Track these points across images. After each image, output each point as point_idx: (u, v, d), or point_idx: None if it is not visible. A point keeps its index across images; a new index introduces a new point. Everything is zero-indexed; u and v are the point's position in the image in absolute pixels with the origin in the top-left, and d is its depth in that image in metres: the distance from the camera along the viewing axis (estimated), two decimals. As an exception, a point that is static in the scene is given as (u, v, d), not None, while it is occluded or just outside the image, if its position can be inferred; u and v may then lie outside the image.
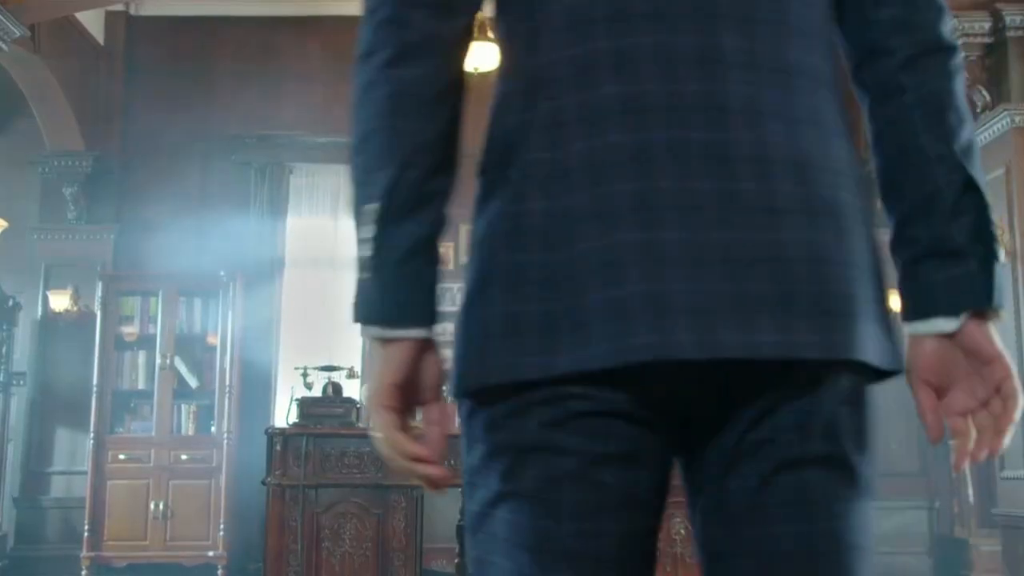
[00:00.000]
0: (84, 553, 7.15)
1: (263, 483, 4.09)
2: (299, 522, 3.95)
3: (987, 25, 5.78)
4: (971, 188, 1.08)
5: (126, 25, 8.22)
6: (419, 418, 1.08)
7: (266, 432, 4.36)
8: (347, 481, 4.02)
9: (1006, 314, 1.11)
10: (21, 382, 7.74)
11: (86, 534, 7.18)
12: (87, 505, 7.21)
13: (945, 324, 1.08)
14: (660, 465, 1.03)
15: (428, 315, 1.05)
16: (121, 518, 7.24)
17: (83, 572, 7.14)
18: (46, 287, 7.86)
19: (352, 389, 5.58)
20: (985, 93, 5.85)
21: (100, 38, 8.11)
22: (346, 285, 7.82)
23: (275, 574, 3.99)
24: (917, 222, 1.09)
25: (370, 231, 1.03)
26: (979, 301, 1.06)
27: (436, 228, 1.05)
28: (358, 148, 1.09)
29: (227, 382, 7.40)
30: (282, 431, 4.23)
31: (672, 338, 0.94)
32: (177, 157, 8.03)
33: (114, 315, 7.53)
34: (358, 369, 4.99)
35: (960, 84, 1.10)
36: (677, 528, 4.06)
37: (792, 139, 1.01)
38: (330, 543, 3.96)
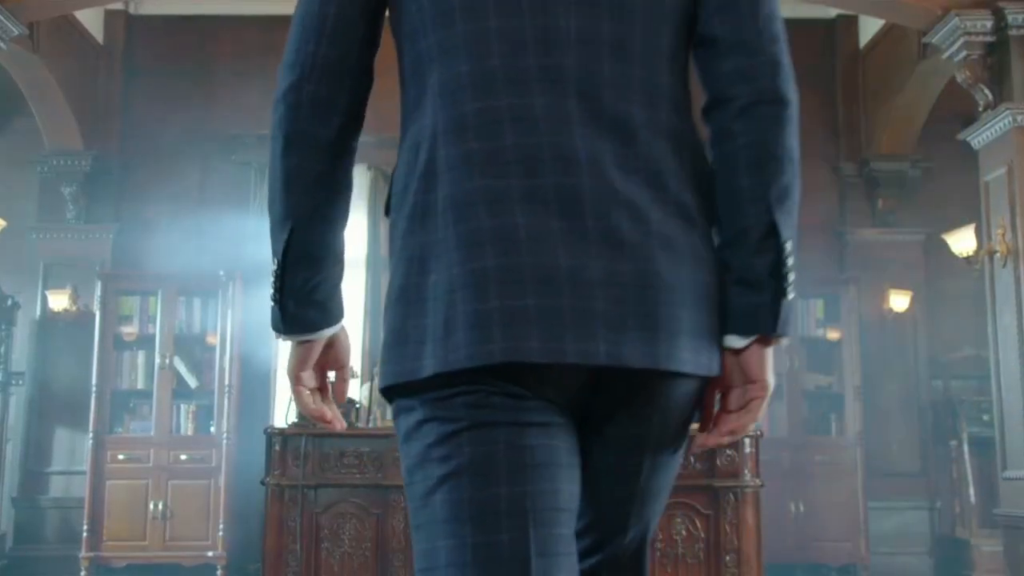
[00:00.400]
0: (83, 553, 7.13)
1: (262, 483, 4.07)
2: (298, 522, 3.93)
3: (989, 24, 5.76)
4: (774, 232, 1.28)
5: (126, 24, 8.20)
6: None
7: (265, 432, 4.34)
8: (346, 481, 4.00)
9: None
10: (20, 382, 7.72)
11: (85, 534, 7.16)
12: (86, 505, 7.19)
13: (736, 342, 1.31)
14: (570, 435, 1.28)
15: (315, 325, 1.37)
16: (120, 518, 7.22)
17: (82, 572, 7.12)
18: (45, 287, 7.84)
19: (352, 389, 5.57)
20: (987, 92, 5.83)
21: (100, 37, 8.09)
22: (348, 284, 7.86)
23: (274, 574, 3.97)
24: (730, 250, 1.31)
25: (273, 272, 1.35)
26: (766, 328, 1.30)
27: (323, 273, 1.36)
28: (268, 208, 1.38)
29: (226, 382, 7.38)
30: (281, 431, 4.21)
31: (524, 344, 1.18)
32: (177, 156, 8.01)
33: (113, 315, 7.51)
34: (358, 369, 4.96)
35: (789, 134, 1.29)
36: (678, 528, 4.05)
37: (629, 185, 1.23)
38: (329, 543, 3.95)
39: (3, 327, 7.56)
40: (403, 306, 1.27)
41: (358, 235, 8.05)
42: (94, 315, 7.51)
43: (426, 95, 1.33)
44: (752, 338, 1.30)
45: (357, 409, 4.53)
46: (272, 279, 1.36)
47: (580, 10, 1.27)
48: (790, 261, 1.29)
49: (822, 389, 7.74)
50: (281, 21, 8.25)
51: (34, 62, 7.07)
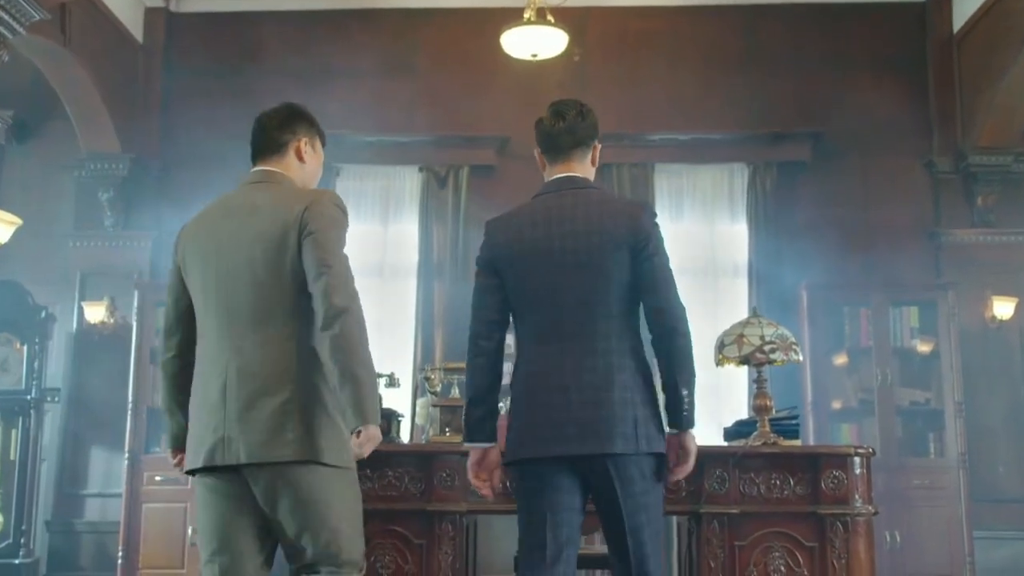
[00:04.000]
0: (118, 581, 6.69)
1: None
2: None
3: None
4: (680, 399, 2.83)
5: (165, 22, 7.83)
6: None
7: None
8: (385, 506, 3.44)
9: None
10: (55, 398, 7.31)
11: (120, 561, 6.71)
12: (120, 530, 6.77)
13: (671, 430, 2.88)
14: (580, 493, 2.86)
15: (484, 439, 2.97)
16: (156, 544, 6.78)
17: (116, 602, 6.67)
18: (81, 298, 7.46)
19: (393, 399, 5.02)
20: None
21: (138, 35, 7.72)
22: (393, 292, 7.22)
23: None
24: (667, 401, 2.85)
25: (465, 421, 3.01)
26: (674, 424, 2.87)
27: (490, 417, 2.97)
28: (465, 384, 3.04)
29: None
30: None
31: (544, 447, 2.84)
32: (218, 160, 7.53)
33: (150, 327, 7.07)
34: (400, 376, 4.40)
35: (686, 346, 2.83)
36: (775, 564, 3.41)
37: (592, 378, 2.81)
38: (366, 578, 3.38)
39: (37, 341, 7.15)
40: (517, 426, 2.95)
41: (409, 242, 7.53)
42: (132, 327, 7.08)
43: (523, 341, 3.00)
44: (676, 430, 2.88)
45: (399, 421, 3.97)
46: (464, 419, 3.03)
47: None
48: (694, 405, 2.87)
49: (918, 406, 7.05)
50: (323, 17, 7.85)
51: (66, 58, 6.69)
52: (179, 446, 2.94)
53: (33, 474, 6.99)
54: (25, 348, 7.13)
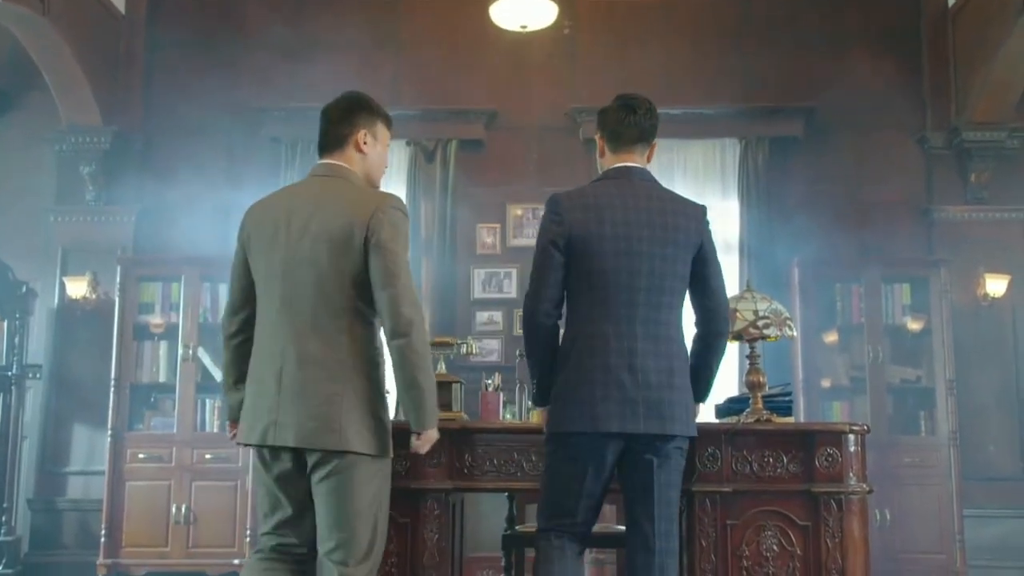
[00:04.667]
0: (100, 560, 6.61)
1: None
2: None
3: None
4: (709, 385, 3.23)
5: (148, -9, 7.67)
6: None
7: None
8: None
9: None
10: (36, 375, 7.20)
11: (103, 539, 6.63)
12: (103, 508, 6.68)
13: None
14: (612, 470, 3.07)
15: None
16: (140, 522, 6.71)
17: (99, 580, 6.59)
18: (63, 273, 7.33)
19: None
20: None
21: (120, 5, 7.55)
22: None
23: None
24: (695, 382, 3.15)
25: (535, 388, 3.19)
26: (699, 400, 3.22)
27: (549, 384, 3.13)
28: (528, 359, 3.19)
29: (254, 374, 6.79)
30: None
31: (609, 422, 3.00)
32: (202, 132, 7.47)
33: (133, 302, 6.99)
34: (387, 354, 4.30)
35: (726, 345, 3.21)
36: (768, 544, 3.35)
37: (657, 363, 3.02)
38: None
39: (18, 316, 7.03)
40: (566, 396, 3.10)
41: (397, 217, 7.40)
42: (114, 303, 6.97)
43: (573, 315, 3.13)
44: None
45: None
46: (533, 386, 3.20)
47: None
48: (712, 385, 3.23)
49: (909, 383, 7.00)
50: (311, -11, 7.69)
51: (45, 28, 6.53)
52: (236, 418, 3.10)
53: (14, 452, 6.89)
54: (5, 324, 7.01)
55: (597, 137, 3.25)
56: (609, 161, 3.20)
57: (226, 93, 7.43)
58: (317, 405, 2.84)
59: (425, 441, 3.00)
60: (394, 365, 2.89)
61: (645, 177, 3.16)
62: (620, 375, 2.97)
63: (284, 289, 2.93)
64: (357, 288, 2.89)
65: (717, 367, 3.19)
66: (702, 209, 3.18)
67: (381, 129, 3.14)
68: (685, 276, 3.07)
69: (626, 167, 3.16)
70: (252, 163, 7.38)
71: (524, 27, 6.29)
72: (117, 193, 7.44)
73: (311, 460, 2.88)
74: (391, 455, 2.97)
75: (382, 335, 2.98)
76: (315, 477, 2.89)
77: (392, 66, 7.57)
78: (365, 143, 3.08)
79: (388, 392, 3.01)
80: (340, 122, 3.07)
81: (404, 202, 3.02)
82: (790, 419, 3.66)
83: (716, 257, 3.14)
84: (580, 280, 3.05)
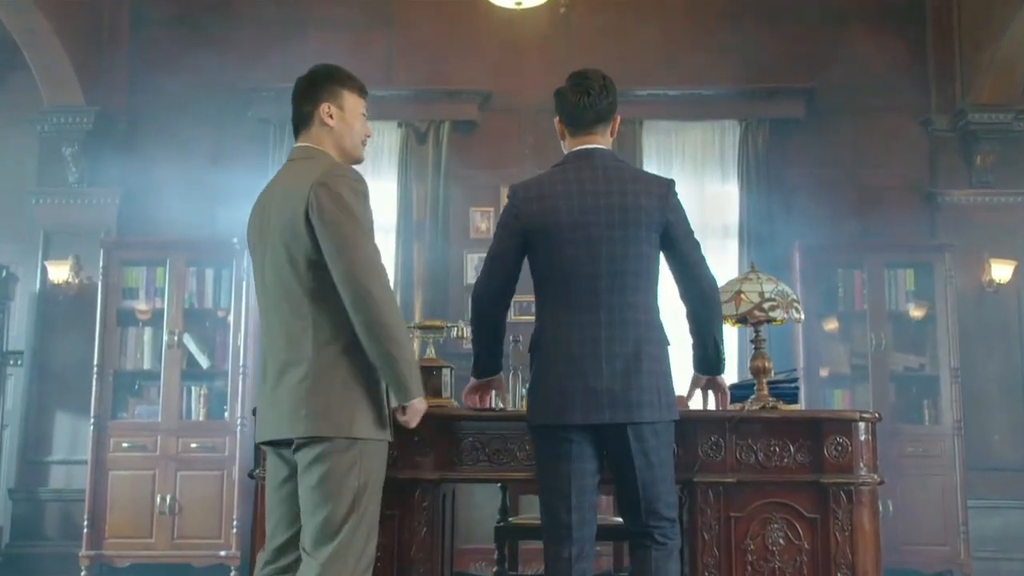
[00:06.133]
0: (83, 552, 6.44)
1: (250, 476, 3.28)
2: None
3: None
4: (719, 352, 3.11)
5: (132, -34, 7.47)
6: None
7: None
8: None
9: None
10: (18, 362, 7.05)
11: (85, 530, 6.46)
12: (86, 498, 6.51)
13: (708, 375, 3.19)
14: (598, 459, 2.96)
15: (489, 374, 3.23)
16: (123, 513, 6.55)
17: (82, 573, 6.41)
18: (45, 257, 7.16)
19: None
20: None
21: (103, -19, 7.36)
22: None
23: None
24: (704, 354, 3.12)
25: (475, 360, 3.21)
26: (715, 372, 3.16)
27: (494, 364, 3.22)
28: (472, 340, 3.22)
29: (241, 362, 6.64)
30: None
31: (575, 414, 2.92)
32: (188, 112, 7.28)
33: (117, 287, 6.81)
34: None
35: (720, 311, 3.15)
36: (774, 537, 3.18)
37: (623, 348, 2.91)
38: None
39: (-1, 301, 6.86)
40: (540, 390, 3.04)
41: (388, 200, 7.23)
42: (97, 288, 6.79)
43: (543, 308, 3.08)
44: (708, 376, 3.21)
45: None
46: (473, 357, 3.22)
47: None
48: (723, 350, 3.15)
49: (912, 371, 6.85)
50: (301, -35, 7.50)
51: (24, 3, 6.34)
52: None
53: (-5, 440, 6.73)
54: (-15, 309, 6.84)
55: (556, 120, 3.14)
56: (570, 144, 3.10)
57: (214, 72, 7.23)
58: (285, 395, 2.77)
59: (412, 414, 2.84)
60: (363, 344, 2.72)
61: (606, 157, 3.05)
62: (583, 365, 2.90)
63: (262, 287, 2.89)
64: (315, 271, 2.75)
65: (720, 336, 3.09)
66: (667, 184, 3.07)
67: (348, 98, 2.94)
68: (651, 255, 2.99)
69: (586, 150, 3.06)
70: (240, 145, 7.19)
71: (519, 3, 6.09)
72: (100, 175, 7.25)
73: (295, 453, 2.78)
74: (366, 437, 2.75)
75: None
76: (299, 470, 2.79)
77: (384, 45, 7.39)
78: (330, 116, 2.91)
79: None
80: (303, 100, 2.94)
81: (354, 169, 2.83)
82: (796, 406, 3.50)
83: (689, 230, 3.07)
84: (543, 272, 3.01)
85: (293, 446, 2.76)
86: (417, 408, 2.83)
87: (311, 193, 2.71)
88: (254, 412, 3.00)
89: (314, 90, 2.92)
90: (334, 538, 2.68)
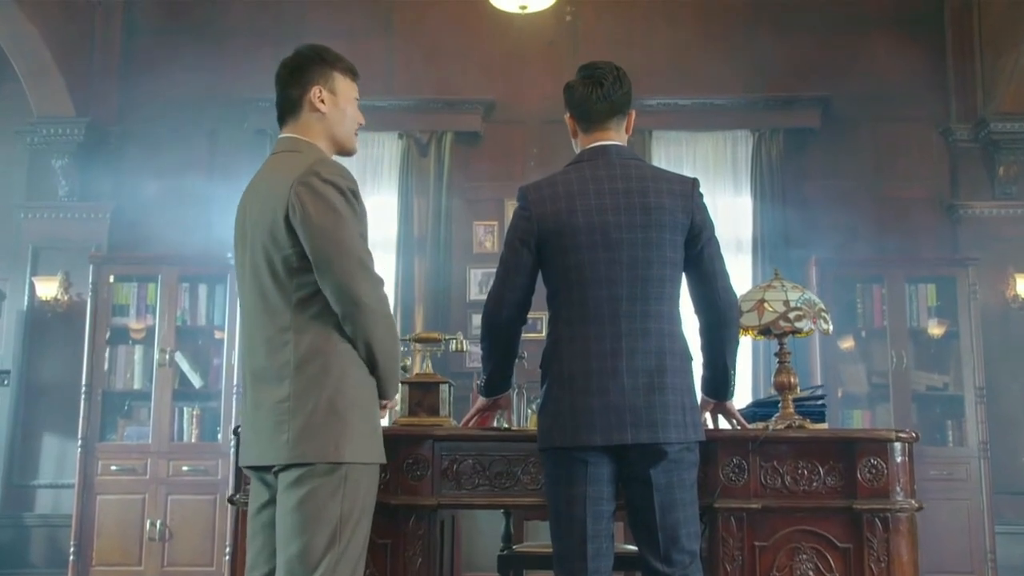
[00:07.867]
0: (69, 579, 6.18)
1: (231, 501, 3.01)
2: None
3: None
4: (729, 377, 2.87)
5: (125, -24, 7.29)
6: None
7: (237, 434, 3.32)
8: (343, 500, 2.91)
9: None
10: (4, 381, 6.82)
11: (72, 557, 6.21)
12: (73, 523, 6.29)
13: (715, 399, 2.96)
14: (614, 481, 2.67)
15: (497, 393, 3.03)
16: (112, 539, 6.35)
17: (68, 602, 6.16)
18: (33, 272, 6.95)
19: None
20: None
21: (95, -10, 7.16)
22: (377, 269, 6.74)
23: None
24: (713, 378, 2.89)
25: (483, 381, 3.00)
26: (721, 398, 2.94)
27: (504, 385, 3.01)
28: (483, 357, 2.99)
29: (235, 382, 6.41)
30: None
31: (594, 434, 2.63)
32: (182, 124, 7.10)
33: (106, 304, 6.61)
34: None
35: (738, 333, 2.86)
36: (803, 569, 2.90)
37: (645, 362, 2.64)
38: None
39: (-15, 318, 6.63)
40: (554, 413, 2.75)
41: (388, 214, 6.99)
42: (87, 304, 6.57)
43: (558, 320, 2.80)
44: (718, 401, 2.97)
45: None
46: (483, 378, 3.01)
47: None
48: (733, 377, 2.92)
49: (935, 391, 6.59)
50: (295, -27, 7.29)
51: (14, 13, 6.19)
52: None
53: (-21, 463, 6.49)
54: (-30, 327, 6.60)
55: (567, 117, 2.85)
56: (583, 142, 2.82)
57: (208, 82, 7.03)
58: (264, 418, 2.51)
59: (384, 411, 2.65)
60: (356, 348, 2.51)
61: (624, 155, 2.79)
62: (602, 380, 2.62)
63: (243, 296, 2.65)
64: (297, 277, 2.49)
65: (732, 359, 2.83)
66: (692, 182, 2.79)
67: (340, 80, 2.66)
68: (676, 260, 2.72)
69: (601, 147, 2.78)
70: (235, 157, 6.95)
71: (524, 7, 5.87)
72: (91, 188, 7.05)
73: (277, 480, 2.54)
74: (353, 461, 2.46)
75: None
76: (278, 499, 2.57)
77: (384, 52, 7.18)
78: (322, 100, 2.63)
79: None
80: (289, 84, 2.64)
81: (339, 163, 2.54)
82: (824, 425, 3.23)
83: (714, 235, 2.80)
84: (557, 279, 2.72)
85: (274, 468, 2.49)
86: (390, 404, 2.67)
87: (291, 193, 2.45)
88: (235, 431, 2.74)
89: (302, 72, 2.64)
90: (311, 574, 2.38)
